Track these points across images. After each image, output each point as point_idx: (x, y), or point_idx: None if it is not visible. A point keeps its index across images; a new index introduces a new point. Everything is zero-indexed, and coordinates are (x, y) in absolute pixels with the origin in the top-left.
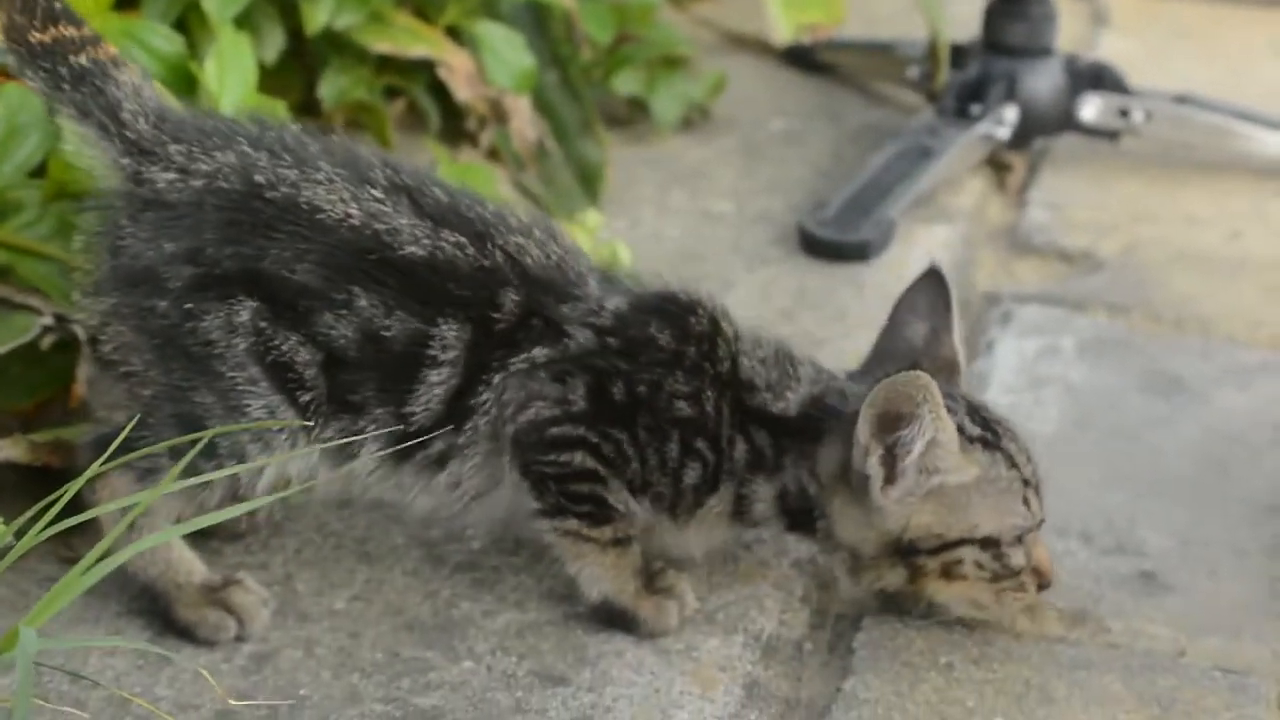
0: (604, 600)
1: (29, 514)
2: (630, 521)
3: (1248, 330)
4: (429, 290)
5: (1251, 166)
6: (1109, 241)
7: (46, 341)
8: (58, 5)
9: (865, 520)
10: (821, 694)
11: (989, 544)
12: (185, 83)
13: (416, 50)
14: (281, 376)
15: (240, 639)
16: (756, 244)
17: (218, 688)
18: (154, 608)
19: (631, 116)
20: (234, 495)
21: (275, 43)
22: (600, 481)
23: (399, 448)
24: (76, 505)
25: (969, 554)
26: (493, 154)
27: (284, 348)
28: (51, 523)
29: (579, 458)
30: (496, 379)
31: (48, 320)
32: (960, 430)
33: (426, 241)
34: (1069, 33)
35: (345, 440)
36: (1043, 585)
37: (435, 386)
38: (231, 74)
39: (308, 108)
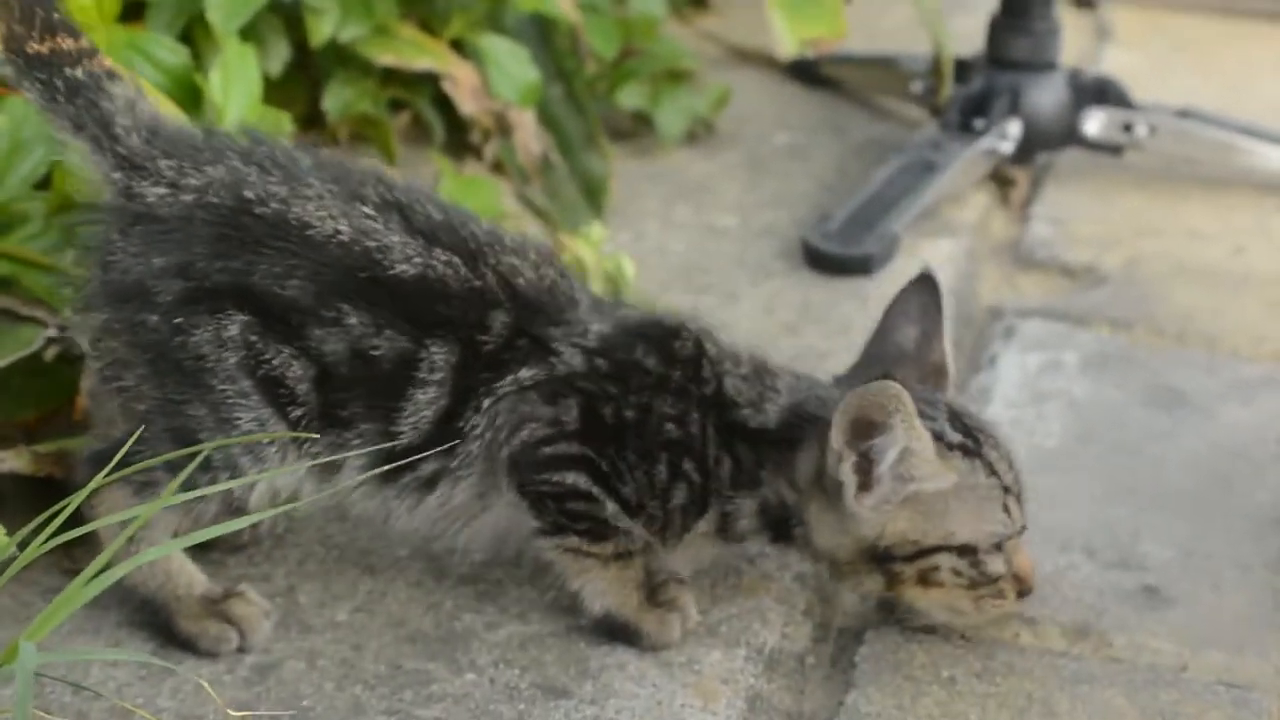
0: (607, 614)
1: (31, 525)
2: (631, 537)
3: (1251, 345)
4: (419, 310)
5: (1255, 181)
6: (1112, 256)
7: (50, 353)
8: (56, 16)
9: (841, 526)
10: (824, 707)
11: (966, 551)
12: (190, 95)
13: (421, 63)
14: (273, 391)
15: (242, 650)
16: (761, 258)
17: (219, 699)
18: (156, 619)
19: (636, 130)
20: (229, 507)
21: (280, 55)
22: (596, 501)
23: (389, 467)
24: (77, 518)
25: (946, 561)
26: (497, 167)
27: (275, 362)
28: (53, 535)
29: (573, 476)
30: (486, 403)
31: (52, 332)
32: (939, 437)
33: (418, 260)
34: (1072, 47)
35: (333, 458)
36: (1023, 592)
37: (424, 407)
38: (236, 86)
39: (312, 120)
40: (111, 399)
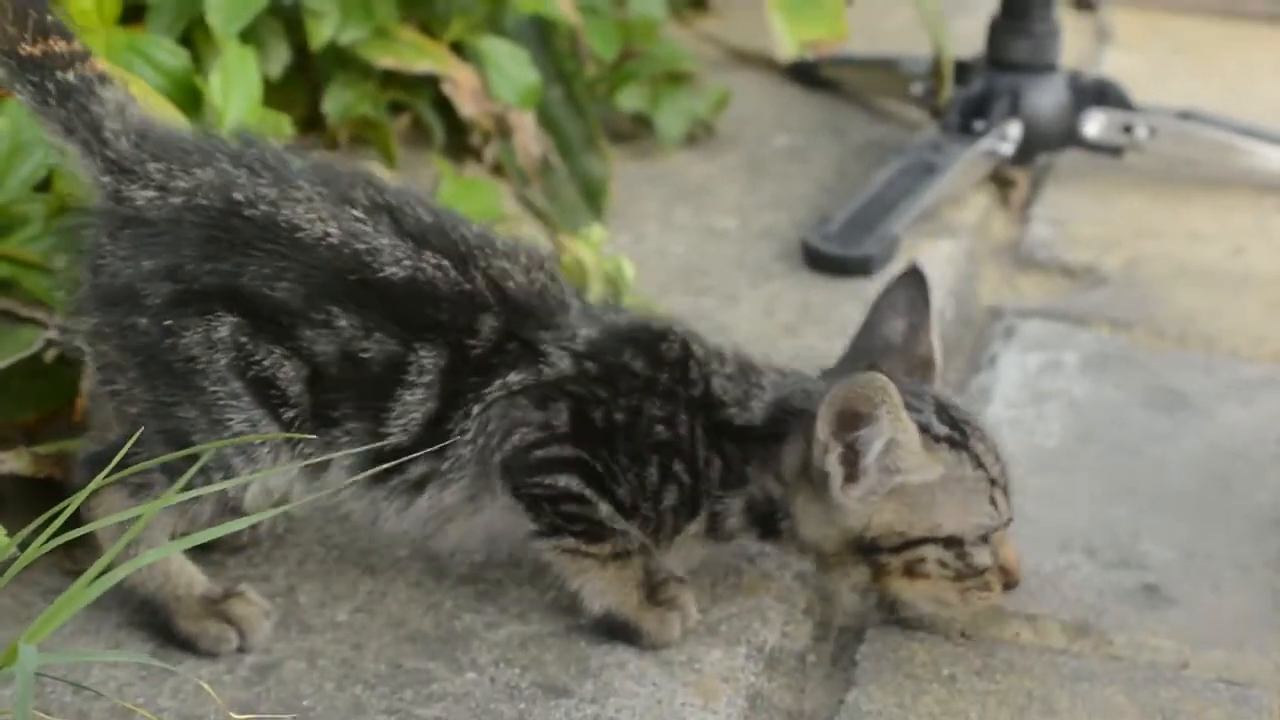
0: (607, 613)
1: (32, 526)
2: (628, 537)
3: (1251, 345)
4: (408, 312)
5: (1254, 182)
6: (1112, 257)
7: (50, 355)
8: (50, 18)
9: (827, 518)
10: (824, 706)
11: (952, 543)
12: (190, 97)
13: (421, 66)
14: (264, 392)
15: (242, 650)
16: (760, 259)
17: (220, 699)
18: (156, 620)
19: (636, 132)
20: (224, 507)
21: (280, 58)
22: (589, 503)
23: (377, 470)
24: (77, 519)
25: (931, 553)
26: (497, 169)
27: (266, 363)
28: (53, 536)
29: (565, 479)
30: (476, 408)
31: (52, 334)
32: (926, 429)
33: (408, 263)
34: (1073, 49)
35: (324, 458)
36: (1009, 584)
37: (413, 408)
38: (236, 89)
39: (312, 123)
40: (105, 403)
